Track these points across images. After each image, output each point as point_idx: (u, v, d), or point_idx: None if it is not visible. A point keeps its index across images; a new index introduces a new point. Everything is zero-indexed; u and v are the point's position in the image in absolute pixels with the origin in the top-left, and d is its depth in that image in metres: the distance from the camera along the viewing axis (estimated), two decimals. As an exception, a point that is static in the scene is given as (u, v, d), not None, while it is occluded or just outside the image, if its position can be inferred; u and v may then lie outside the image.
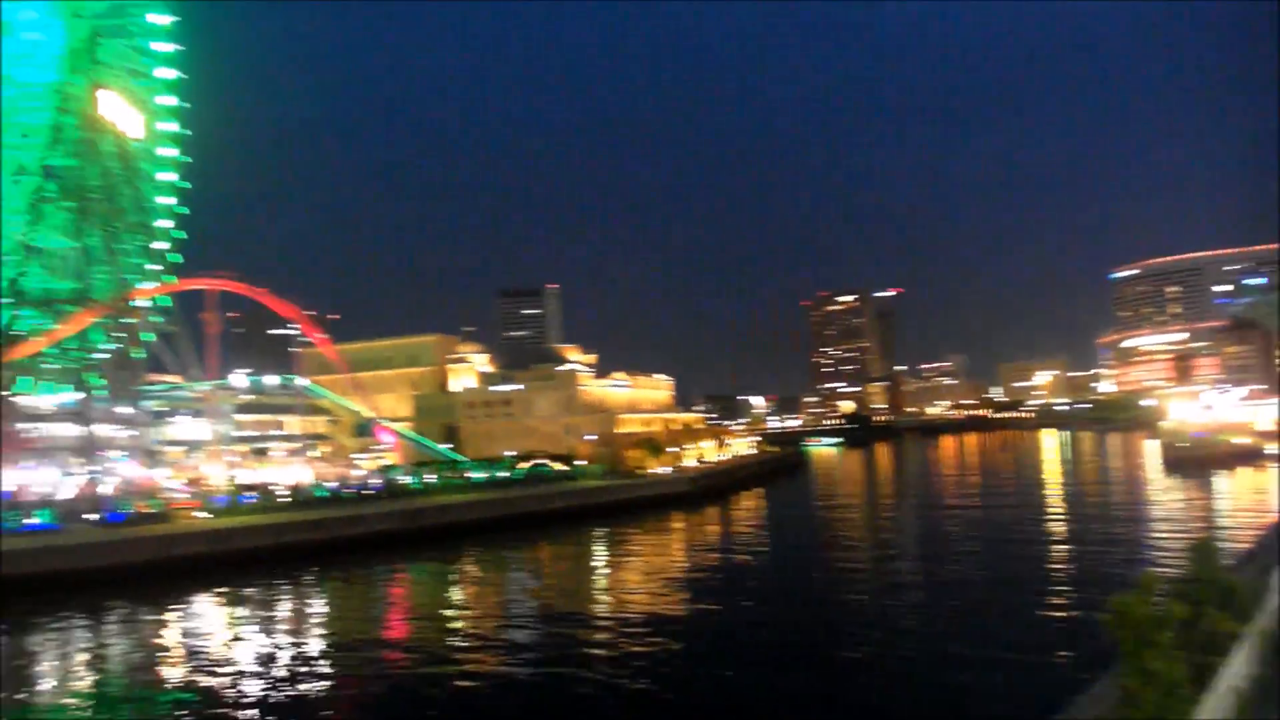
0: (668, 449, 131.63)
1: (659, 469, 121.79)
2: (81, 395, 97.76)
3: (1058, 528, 72.79)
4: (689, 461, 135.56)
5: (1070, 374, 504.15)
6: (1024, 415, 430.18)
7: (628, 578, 60.32)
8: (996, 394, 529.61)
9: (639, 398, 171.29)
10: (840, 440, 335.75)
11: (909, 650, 37.15)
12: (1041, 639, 36.31)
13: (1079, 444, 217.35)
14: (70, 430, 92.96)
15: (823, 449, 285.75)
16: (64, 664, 40.92)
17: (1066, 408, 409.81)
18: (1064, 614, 40.89)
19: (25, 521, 70.32)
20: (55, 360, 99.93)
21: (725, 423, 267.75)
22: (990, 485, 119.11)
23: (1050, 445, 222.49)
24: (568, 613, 48.01)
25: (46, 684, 37.52)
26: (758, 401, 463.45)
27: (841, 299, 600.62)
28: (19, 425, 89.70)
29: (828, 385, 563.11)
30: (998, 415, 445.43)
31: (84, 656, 42.46)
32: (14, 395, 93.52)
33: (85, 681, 37.96)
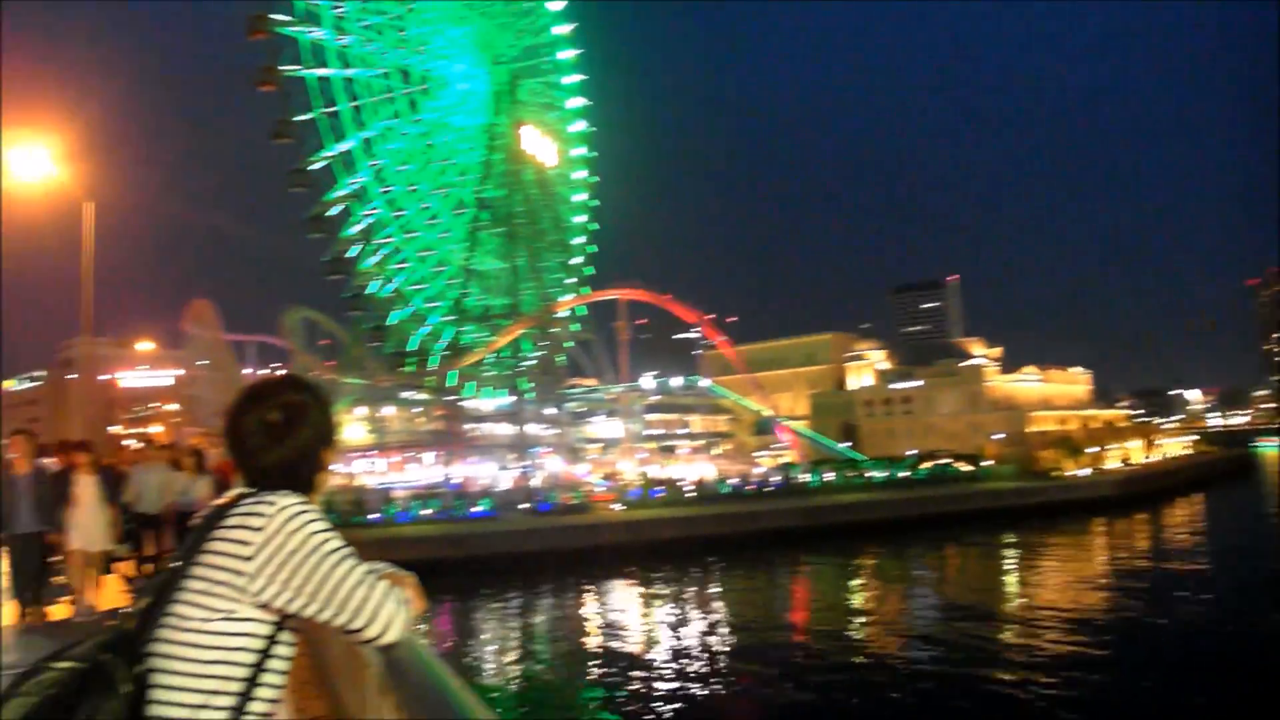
0: (1087, 449, 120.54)
1: (1077, 470, 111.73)
2: (514, 398, 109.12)
3: None
4: (1112, 463, 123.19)
5: None
6: None
7: (1044, 581, 55.57)
8: None
9: (1052, 393, 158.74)
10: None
11: None
12: None
13: None
14: (505, 429, 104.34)
15: (1277, 450, 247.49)
16: (509, 633, 45.36)
17: None
18: None
19: (471, 510, 79.31)
20: (492, 368, 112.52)
21: (1154, 420, 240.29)
22: None
23: None
24: (978, 612, 44.96)
25: (495, 648, 41.78)
26: (1193, 396, 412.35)
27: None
28: (465, 425, 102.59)
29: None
30: None
31: (525, 628, 46.74)
32: (462, 399, 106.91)
33: (527, 648, 41.90)
